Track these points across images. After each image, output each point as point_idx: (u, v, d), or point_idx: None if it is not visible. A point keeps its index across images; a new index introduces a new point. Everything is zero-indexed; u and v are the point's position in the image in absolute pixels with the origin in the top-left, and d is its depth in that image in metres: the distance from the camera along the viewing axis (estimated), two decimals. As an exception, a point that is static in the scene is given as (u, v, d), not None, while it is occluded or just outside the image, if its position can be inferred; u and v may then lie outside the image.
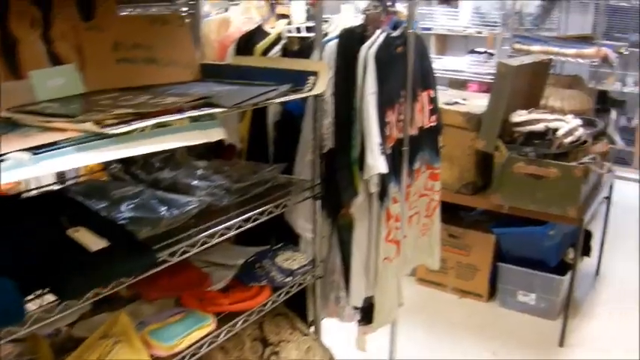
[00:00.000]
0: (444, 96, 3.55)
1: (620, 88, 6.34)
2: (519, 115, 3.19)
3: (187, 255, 1.57)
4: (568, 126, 3.10)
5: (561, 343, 3.22)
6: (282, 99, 1.68)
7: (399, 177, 2.14)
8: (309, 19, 2.23)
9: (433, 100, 2.28)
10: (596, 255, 3.91)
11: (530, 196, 3.09)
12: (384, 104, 1.97)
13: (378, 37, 1.97)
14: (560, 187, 3.01)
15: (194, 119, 1.42)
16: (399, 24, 2.12)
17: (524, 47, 4.18)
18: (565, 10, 5.81)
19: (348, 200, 1.98)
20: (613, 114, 4.99)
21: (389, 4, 2.08)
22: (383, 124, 1.95)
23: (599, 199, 3.35)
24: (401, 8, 2.31)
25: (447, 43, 7.50)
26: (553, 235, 3.34)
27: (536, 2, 4.80)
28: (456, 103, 3.43)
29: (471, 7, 4.39)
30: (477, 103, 3.39)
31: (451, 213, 3.47)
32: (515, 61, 3.15)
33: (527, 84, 3.54)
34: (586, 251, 3.69)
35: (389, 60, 1.99)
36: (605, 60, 4.23)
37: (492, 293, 3.65)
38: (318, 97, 1.88)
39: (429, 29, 4.99)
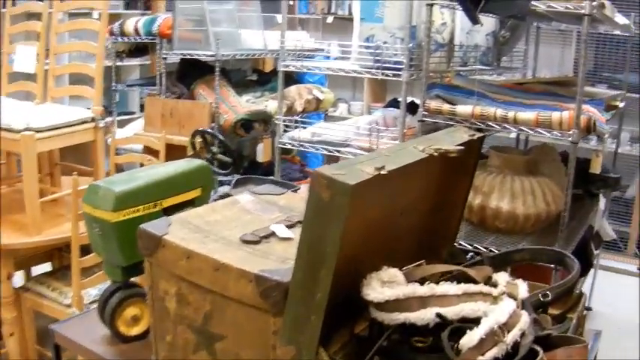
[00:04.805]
0: (264, 214, 1.77)
1: (614, 148, 4.60)
2: (366, 286, 1.41)
3: None
4: (492, 319, 1.28)
5: None
6: None
7: None
8: None
9: None
10: None
11: None
12: None
13: None
14: None
15: None
16: None
17: (444, 107, 2.41)
18: (534, 41, 4.07)
19: None
20: (602, 202, 3.22)
21: None
22: None
23: None
24: None
25: (386, 86, 5.73)
26: None
27: (481, 30, 3.06)
28: (272, 235, 1.64)
29: (357, 38, 2.61)
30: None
31: None
32: (365, 167, 1.36)
33: (421, 191, 1.75)
34: None
35: None
36: (588, 130, 2.47)
37: None
38: None
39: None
